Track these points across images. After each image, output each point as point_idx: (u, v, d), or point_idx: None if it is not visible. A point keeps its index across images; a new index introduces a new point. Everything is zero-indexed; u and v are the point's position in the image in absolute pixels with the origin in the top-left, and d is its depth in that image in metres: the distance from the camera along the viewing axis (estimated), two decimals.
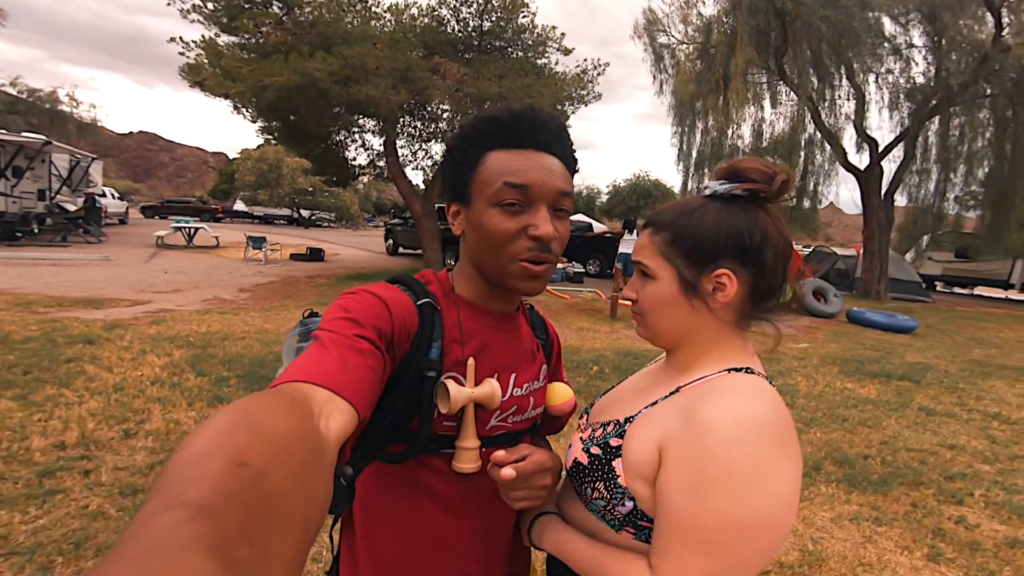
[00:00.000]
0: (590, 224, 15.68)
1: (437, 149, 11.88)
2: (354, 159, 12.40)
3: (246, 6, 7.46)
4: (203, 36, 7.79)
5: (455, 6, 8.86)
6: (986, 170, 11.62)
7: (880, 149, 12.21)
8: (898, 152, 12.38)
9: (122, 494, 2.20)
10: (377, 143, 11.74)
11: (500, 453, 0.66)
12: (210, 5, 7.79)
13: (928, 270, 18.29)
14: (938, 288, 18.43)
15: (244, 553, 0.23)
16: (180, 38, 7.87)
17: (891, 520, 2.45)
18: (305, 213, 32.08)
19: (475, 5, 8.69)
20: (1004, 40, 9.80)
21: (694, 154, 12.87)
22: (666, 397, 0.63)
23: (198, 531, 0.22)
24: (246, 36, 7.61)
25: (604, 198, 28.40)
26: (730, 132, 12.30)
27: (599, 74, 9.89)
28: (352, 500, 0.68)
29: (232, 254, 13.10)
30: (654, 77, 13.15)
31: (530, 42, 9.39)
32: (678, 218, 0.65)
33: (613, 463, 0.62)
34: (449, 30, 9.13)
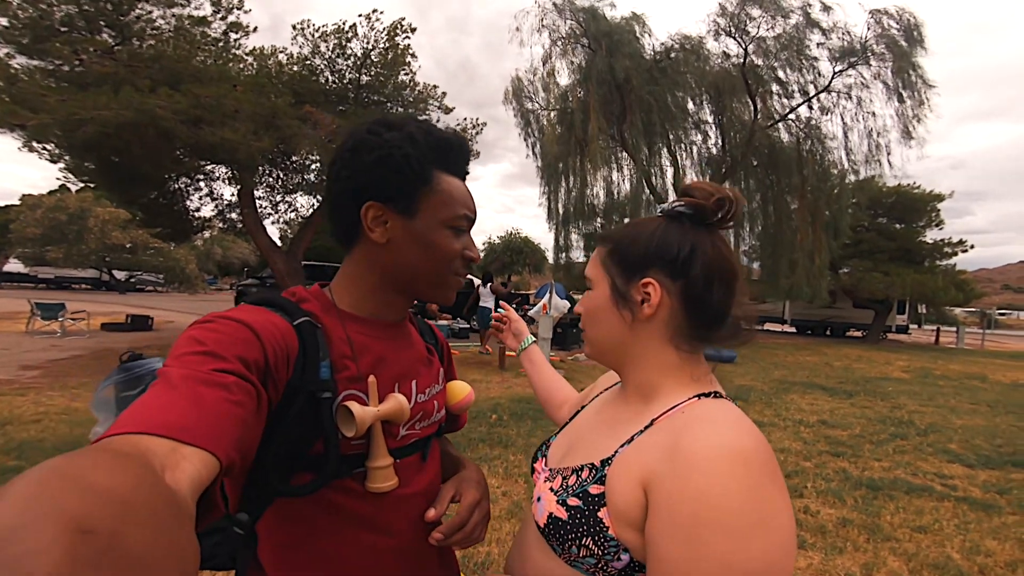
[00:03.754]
0: (471, 281, 15.98)
1: (304, 202, 11.10)
2: (197, 210, 10.83)
3: (62, 29, 6.26)
4: None
5: (330, 57, 8.64)
6: (759, 228, 15.15)
7: None
8: None
9: None
10: (228, 193, 10.50)
11: (430, 512, 0.67)
12: (3, 21, 6.36)
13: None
14: None
15: None
16: None
17: None
18: (120, 275, 26.23)
19: (352, 58, 8.58)
20: (759, 123, 13.05)
21: (560, 211, 14.26)
22: (642, 432, 0.58)
23: None
24: (57, 62, 6.32)
25: (481, 255, 29.51)
26: (588, 192, 14.01)
27: (478, 133, 10.46)
28: (255, 549, 0.61)
29: (6, 326, 10.02)
30: (524, 140, 14.52)
31: (411, 99, 9.51)
32: (622, 232, 0.66)
33: (599, 514, 0.56)
34: (323, 80, 8.84)
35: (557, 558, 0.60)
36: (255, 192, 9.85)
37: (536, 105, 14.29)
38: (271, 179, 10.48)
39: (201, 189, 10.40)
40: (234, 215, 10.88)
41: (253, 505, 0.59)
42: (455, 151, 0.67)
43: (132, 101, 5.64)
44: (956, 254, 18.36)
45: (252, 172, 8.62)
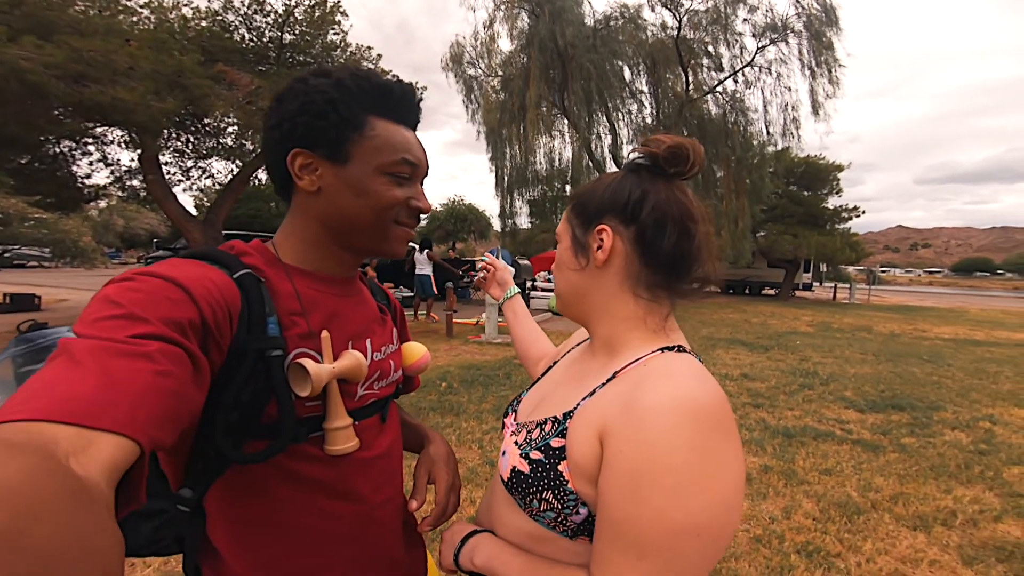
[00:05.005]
0: (414, 249, 15.53)
1: (221, 167, 10.05)
2: (87, 176, 9.46)
3: None
4: None
5: (246, 13, 7.76)
6: None
7: None
8: None
9: None
10: (127, 158, 9.25)
11: (412, 504, 0.70)
12: None
13: None
14: None
15: None
16: None
17: None
18: None
19: (272, 15, 7.76)
20: (691, 94, 13.64)
21: (506, 178, 14.15)
22: (603, 385, 0.58)
23: None
24: None
25: (423, 223, 28.30)
26: (531, 158, 13.98)
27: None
28: (203, 526, 0.59)
29: None
30: (466, 106, 14.09)
31: (342, 60, 8.77)
32: (584, 188, 0.67)
33: (559, 467, 0.56)
34: (238, 38, 7.93)
35: (522, 512, 0.60)
36: (161, 157, 8.73)
37: (479, 71, 13.81)
38: (180, 143, 9.32)
39: (91, 154, 9.03)
40: (136, 182, 9.63)
41: (198, 479, 0.54)
42: (396, 97, 0.64)
43: None
44: (851, 218, 20.69)
45: (155, 136, 7.59)
